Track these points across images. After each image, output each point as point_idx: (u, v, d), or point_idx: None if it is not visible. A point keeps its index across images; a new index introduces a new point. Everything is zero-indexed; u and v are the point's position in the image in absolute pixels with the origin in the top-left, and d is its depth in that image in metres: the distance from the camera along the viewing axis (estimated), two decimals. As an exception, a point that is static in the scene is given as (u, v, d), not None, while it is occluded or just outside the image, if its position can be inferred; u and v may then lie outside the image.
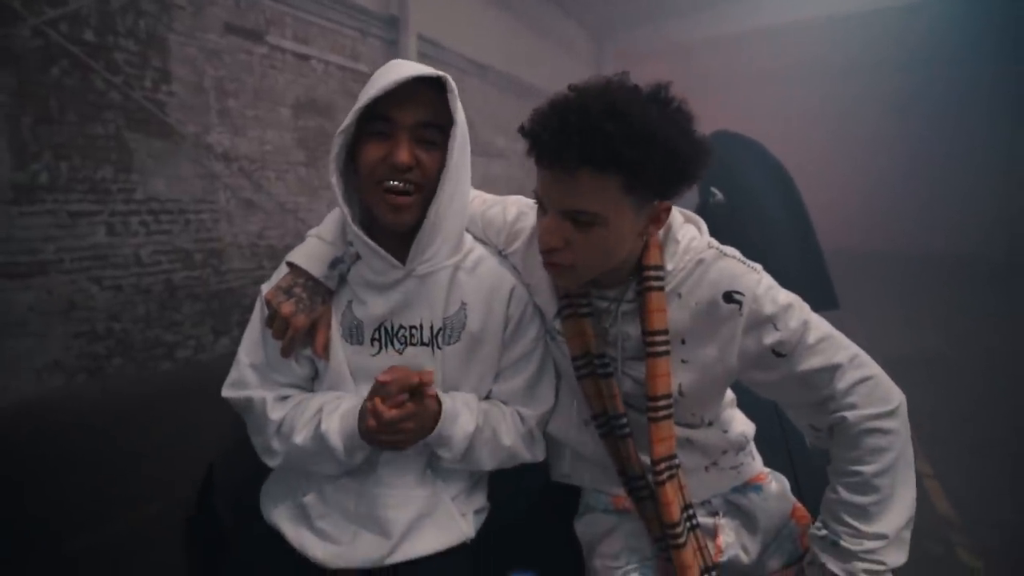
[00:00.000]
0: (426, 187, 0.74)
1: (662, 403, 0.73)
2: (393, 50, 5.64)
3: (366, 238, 0.75)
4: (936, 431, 2.97)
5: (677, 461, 0.77)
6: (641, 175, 0.64)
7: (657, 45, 10.82)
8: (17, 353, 3.00)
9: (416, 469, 0.80)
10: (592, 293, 0.79)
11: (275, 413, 0.78)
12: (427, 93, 0.73)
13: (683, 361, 0.76)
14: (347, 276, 0.80)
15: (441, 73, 0.72)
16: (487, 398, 0.86)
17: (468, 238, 0.84)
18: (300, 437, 0.75)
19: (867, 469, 0.68)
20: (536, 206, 0.73)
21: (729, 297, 0.73)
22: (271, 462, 0.81)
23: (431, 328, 0.79)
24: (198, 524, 1.04)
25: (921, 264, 9.58)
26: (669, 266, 0.75)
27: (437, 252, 0.77)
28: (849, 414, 0.69)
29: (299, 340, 0.77)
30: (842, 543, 0.69)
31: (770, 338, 0.72)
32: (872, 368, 0.71)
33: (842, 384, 0.69)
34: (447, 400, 0.77)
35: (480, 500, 0.87)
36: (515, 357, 0.84)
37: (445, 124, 0.74)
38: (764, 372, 0.74)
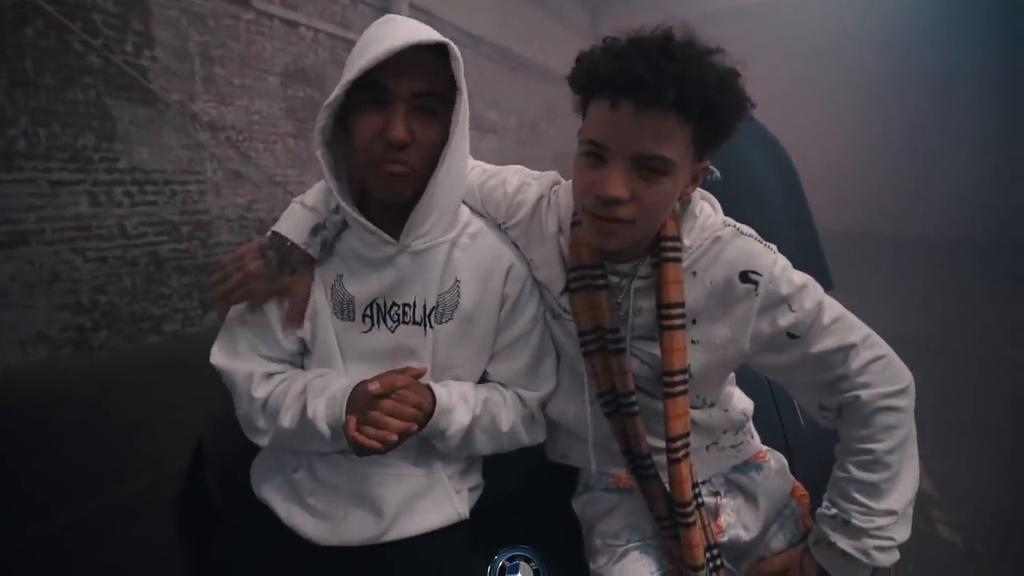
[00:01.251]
0: (423, 163, 0.69)
1: (678, 378, 0.71)
2: (385, 18, 5.48)
3: (356, 214, 0.71)
4: (917, 410, 3.04)
5: (690, 439, 0.76)
6: (711, 126, 0.62)
7: (653, 16, 10.55)
8: (0, 325, 2.95)
9: (410, 448, 0.78)
10: (606, 266, 0.75)
11: (259, 391, 0.75)
12: (426, 57, 0.66)
13: (693, 341, 0.74)
14: (335, 247, 0.77)
15: (444, 39, 0.65)
16: (483, 379, 0.84)
17: (465, 211, 0.80)
18: (287, 419, 0.72)
19: (879, 447, 0.68)
20: (582, 160, 0.67)
21: (745, 277, 0.71)
22: (260, 441, 0.78)
23: (424, 306, 0.75)
24: (188, 499, 1.03)
25: (905, 245, 9.68)
26: (687, 242, 0.73)
27: (433, 227, 0.73)
28: (863, 393, 0.69)
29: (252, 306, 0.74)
30: (853, 521, 0.69)
31: (785, 320, 0.71)
32: (884, 347, 0.71)
33: (856, 364, 0.69)
34: (442, 393, 0.74)
35: (475, 478, 0.86)
36: (513, 337, 0.81)
37: (444, 91, 0.68)
38: (776, 354, 0.73)
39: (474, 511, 0.83)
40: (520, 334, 0.81)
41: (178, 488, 1.04)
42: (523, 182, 0.82)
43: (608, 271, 0.75)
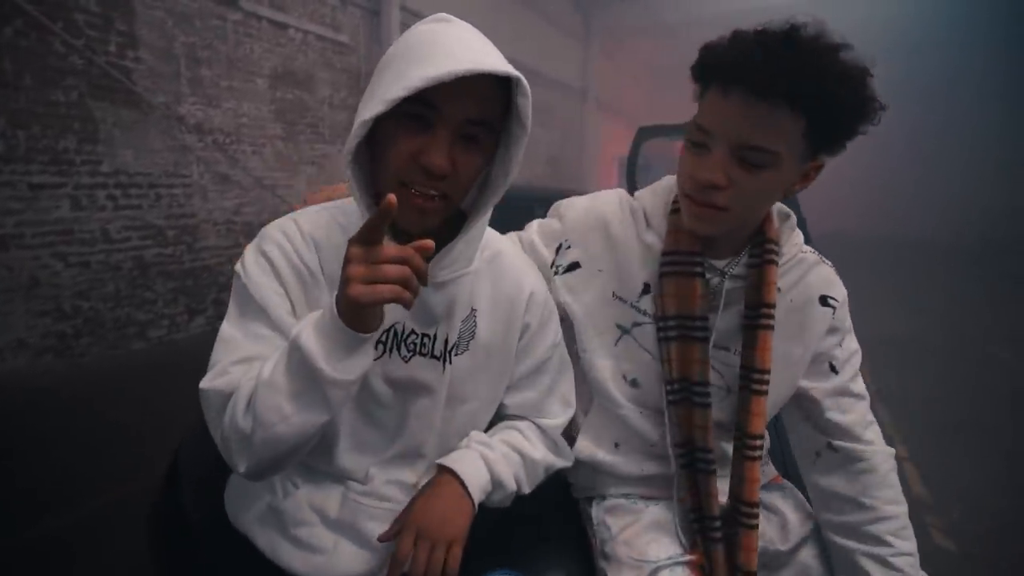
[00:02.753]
0: (456, 196, 0.61)
1: (766, 377, 0.73)
2: (375, 21, 5.43)
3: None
4: (909, 413, 3.04)
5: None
6: (827, 122, 0.61)
7: (645, 21, 10.65)
8: (-23, 332, 2.87)
9: (408, 481, 0.72)
10: (704, 257, 0.75)
11: (243, 387, 0.60)
12: (487, 83, 0.57)
13: None
14: None
15: (516, 73, 0.56)
16: (499, 411, 0.79)
17: (488, 238, 0.74)
18: (268, 370, 0.57)
19: (901, 509, 0.77)
20: (688, 144, 0.68)
21: (825, 301, 0.77)
22: (241, 459, 0.59)
23: (445, 340, 0.69)
24: (163, 516, 0.97)
25: (904, 247, 9.78)
26: (785, 251, 0.76)
27: (458, 259, 0.66)
28: (877, 448, 0.78)
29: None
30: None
31: (836, 350, 0.79)
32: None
33: (867, 418, 0.79)
34: (470, 471, 0.67)
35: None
36: (533, 366, 0.76)
37: (494, 120, 0.61)
38: (813, 380, 0.79)
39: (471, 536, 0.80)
40: (540, 361, 0.77)
41: (152, 504, 0.99)
42: (531, 241, 0.89)
43: (705, 264, 0.75)
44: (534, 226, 0.91)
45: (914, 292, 6.42)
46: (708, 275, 0.76)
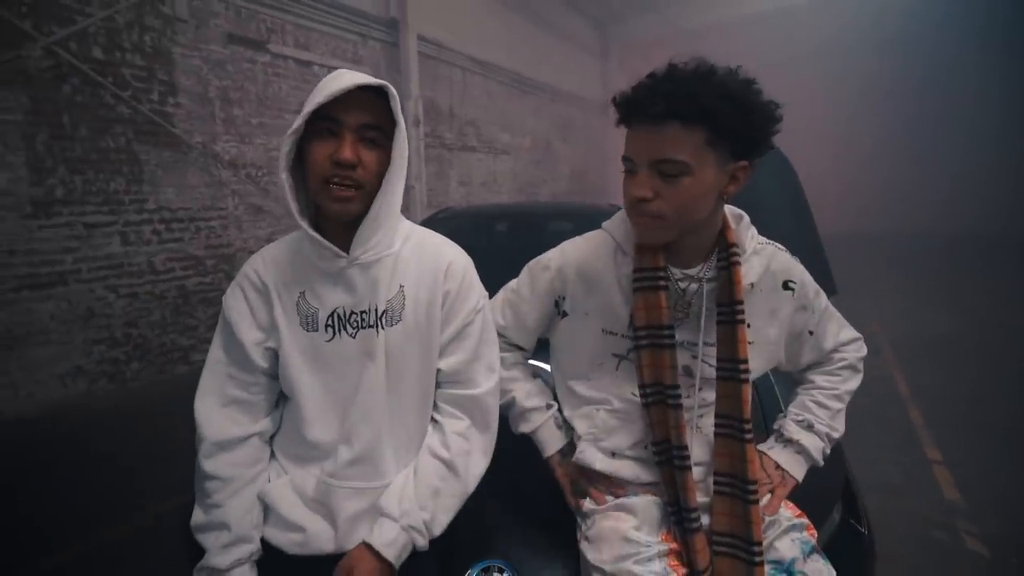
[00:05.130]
0: (367, 185, 0.78)
1: (746, 365, 0.82)
2: (394, 52, 5.69)
3: (309, 228, 0.80)
4: (944, 415, 2.91)
5: None
6: (721, 128, 0.73)
7: (661, 31, 10.71)
8: (40, 361, 3.14)
9: (367, 460, 0.83)
10: (672, 271, 0.85)
11: (208, 464, 0.82)
12: (372, 99, 0.78)
13: (750, 342, 0.85)
14: (296, 267, 0.85)
15: (383, 82, 0.77)
16: (437, 379, 0.88)
17: (405, 226, 0.89)
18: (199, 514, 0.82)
19: (844, 386, 0.95)
20: (624, 173, 0.80)
21: (786, 285, 0.88)
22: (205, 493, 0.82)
23: (375, 311, 0.83)
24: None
25: (917, 243, 9.32)
26: (747, 249, 0.86)
27: (378, 243, 0.82)
28: (846, 356, 0.96)
29: None
30: (817, 425, 0.92)
31: (808, 319, 0.91)
32: (854, 329, 0.98)
33: (843, 339, 0.95)
34: (387, 543, 0.78)
35: None
36: (456, 329, 0.87)
37: (387, 127, 0.79)
38: (798, 346, 0.93)
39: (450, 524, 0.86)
40: (463, 325, 0.87)
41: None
42: (512, 286, 1.00)
43: (679, 277, 0.85)
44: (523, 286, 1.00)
45: (952, 289, 6.12)
46: (685, 282, 0.85)
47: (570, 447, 0.96)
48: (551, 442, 0.96)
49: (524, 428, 0.96)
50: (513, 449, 0.94)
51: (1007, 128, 9.63)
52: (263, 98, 4.34)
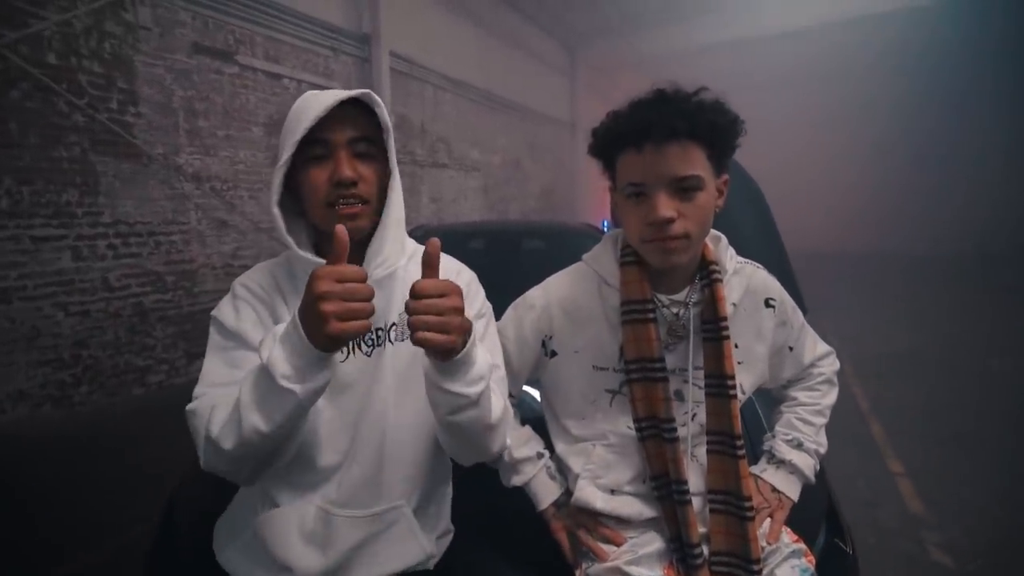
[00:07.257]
0: (371, 198, 0.76)
1: (734, 381, 0.82)
2: (366, 67, 5.66)
3: (314, 256, 0.75)
4: (907, 427, 3.04)
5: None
6: (718, 143, 0.76)
7: (630, 57, 11.09)
8: (-23, 385, 2.91)
9: (363, 486, 0.78)
10: (659, 299, 0.84)
11: (220, 404, 0.69)
12: (355, 112, 0.75)
13: (739, 362, 0.86)
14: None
15: (366, 91, 0.75)
16: None
17: (410, 241, 0.88)
18: (245, 391, 0.65)
19: (824, 401, 0.97)
20: (627, 201, 0.79)
21: (767, 303, 0.90)
22: (223, 465, 0.69)
23: (387, 327, 0.80)
24: (158, 563, 0.99)
25: (895, 264, 9.84)
26: (728, 267, 0.87)
27: (390, 254, 0.80)
28: (823, 370, 0.98)
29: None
30: (806, 443, 0.94)
31: (788, 335, 0.93)
32: (826, 345, 1.00)
33: (819, 354, 0.98)
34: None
35: (444, 523, 0.86)
36: None
37: (377, 137, 0.77)
38: (780, 362, 0.94)
39: (447, 561, 0.83)
40: None
41: (147, 551, 1.01)
42: (505, 323, 0.94)
43: (665, 304, 0.84)
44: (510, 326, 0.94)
45: (914, 306, 6.46)
46: (674, 308, 0.84)
47: (566, 497, 0.91)
48: (545, 495, 0.90)
49: (516, 481, 0.91)
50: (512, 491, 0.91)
51: (965, 149, 10.34)
52: (230, 110, 4.22)
